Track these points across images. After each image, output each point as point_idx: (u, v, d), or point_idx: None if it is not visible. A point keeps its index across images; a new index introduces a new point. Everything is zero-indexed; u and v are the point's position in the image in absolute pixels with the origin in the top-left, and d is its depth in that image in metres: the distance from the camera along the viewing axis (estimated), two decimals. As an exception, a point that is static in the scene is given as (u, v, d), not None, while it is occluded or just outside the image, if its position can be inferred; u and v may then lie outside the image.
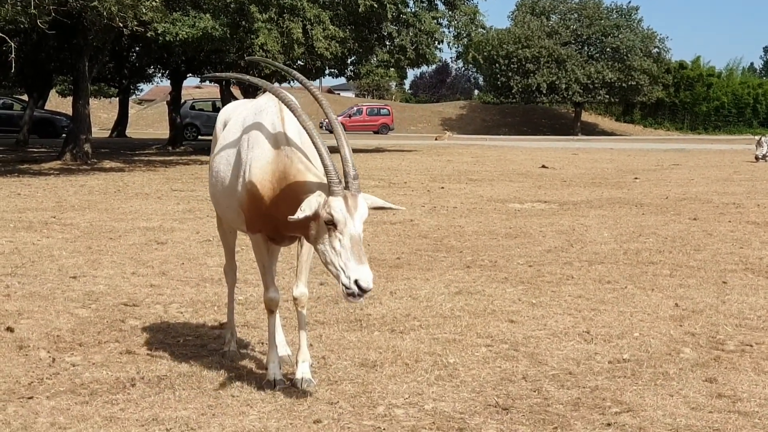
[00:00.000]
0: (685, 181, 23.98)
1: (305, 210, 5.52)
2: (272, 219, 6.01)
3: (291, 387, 6.26)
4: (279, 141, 6.00)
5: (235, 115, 6.71)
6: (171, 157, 34.35)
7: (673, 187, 22.01)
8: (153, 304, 9.03)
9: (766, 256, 11.85)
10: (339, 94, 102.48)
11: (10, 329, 7.80)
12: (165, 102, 51.86)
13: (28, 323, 8.09)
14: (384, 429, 5.57)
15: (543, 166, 29.69)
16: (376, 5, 32.27)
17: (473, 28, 38.75)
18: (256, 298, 9.26)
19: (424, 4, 38.35)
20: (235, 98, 41.15)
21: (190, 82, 51.21)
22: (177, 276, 10.45)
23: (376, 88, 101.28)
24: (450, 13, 38.38)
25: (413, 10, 37.86)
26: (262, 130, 6.11)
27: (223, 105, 41.25)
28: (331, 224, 5.51)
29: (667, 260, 11.55)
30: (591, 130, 79.80)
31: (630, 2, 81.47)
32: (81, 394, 6.21)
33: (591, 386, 6.36)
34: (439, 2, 38.78)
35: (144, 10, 22.35)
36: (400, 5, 35.08)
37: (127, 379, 6.54)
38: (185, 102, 49.14)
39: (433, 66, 57.56)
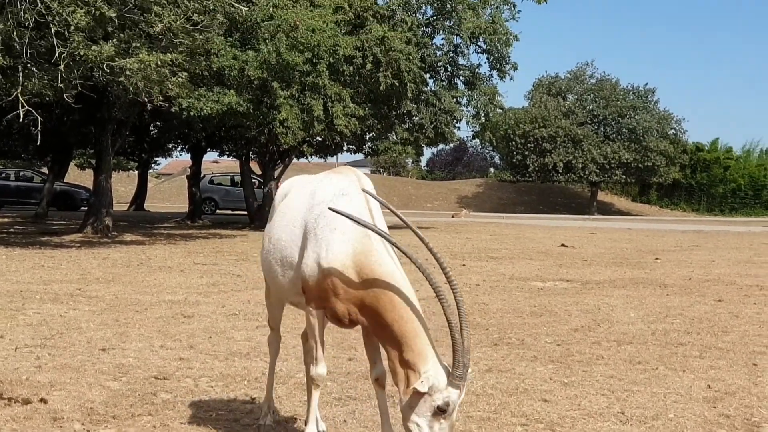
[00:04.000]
0: (706, 263, 23.91)
1: (424, 386, 5.51)
2: (347, 304, 5.99)
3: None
4: (366, 237, 5.96)
5: (300, 186, 6.66)
6: (190, 231, 34.46)
7: (695, 268, 21.95)
8: (183, 377, 9.02)
9: (795, 338, 11.79)
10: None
11: (43, 400, 7.80)
12: (185, 176, 52.14)
13: (61, 395, 8.08)
14: (424, 508, 5.52)
15: (562, 245, 29.67)
16: (396, 83, 32.52)
17: (492, 108, 39.04)
18: (285, 372, 9.26)
19: (444, 83, 38.69)
20: (254, 173, 41.44)
21: (208, 156, 51.58)
22: (205, 350, 10.45)
23: (392, 165, 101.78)
24: (469, 92, 38.68)
25: (433, 88, 38.19)
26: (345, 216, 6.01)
27: (243, 180, 41.75)
28: (440, 411, 5.52)
29: (695, 341, 11.51)
30: (607, 210, 79.89)
31: (647, 84, 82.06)
32: (116, 468, 6.19)
33: (630, 467, 6.32)
34: (458, 81, 39.14)
35: (170, 85, 22.58)
36: (420, 84, 35.34)
37: (162, 453, 6.52)
38: (204, 176, 49.47)
39: (451, 144, 57.76)
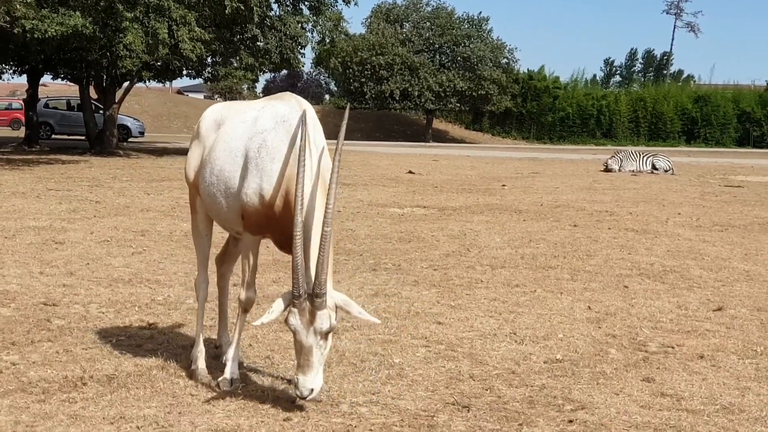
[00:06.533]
0: (551, 189, 24.60)
1: (271, 314, 5.69)
2: (285, 230, 5.97)
3: (247, 387, 6.33)
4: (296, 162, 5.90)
5: (238, 114, 6.56)
6: (30, 156, 33.53)
7: (543, 195, 22.58)
8: (71, 304, 8.94)
9: (656, 261, 12.33)
10: (188, 95, 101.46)
11: (-63, 328, 7.65)
12: (21, 99, 50.39)
13: (-47, 322, 7.95)
14: (355, 426, 5.67)
15: (410, 172, 30.05)
16: (242, 7, 32.13)
17: (337, 34, 39.00)
18: (174, 299, 9.27)
19: (289, 9, 38.40)
20: (92, 98, 40.37)
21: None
22: (86, 276, 10.33)
23: (228, 91, 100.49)
24: (315, 18, 38.46)
25: (278, 13, 37.88)
26: (285, 144, 6.05)
27: (83, 104, 40.65)
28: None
29: (563, 265, 11.93)
30: (442, 137, 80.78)
31: (480, 13, 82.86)
32: (33, 393, 6.15)
33: (538, 385, 6.58)
34: (304, 7, 38.85)
35: (18, 5, 21.82)
36: (265, 8, 35.00)
37: (76, 378, 6.50)
38: (39, 100, 47.90)
39: (286, 71, 57.22)
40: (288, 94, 6.54)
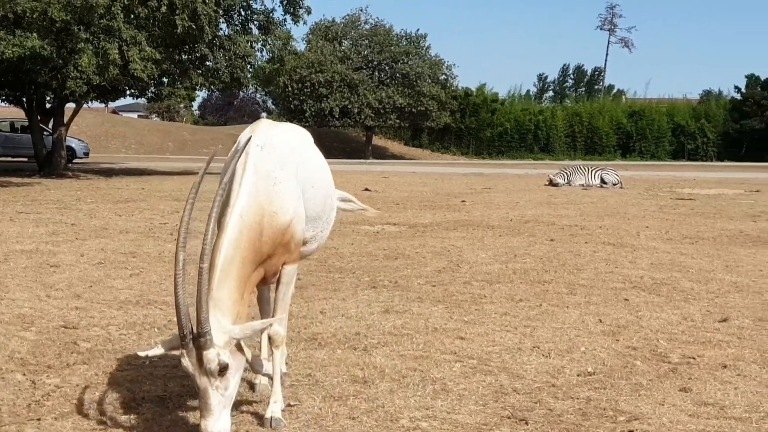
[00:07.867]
0: (512, 204, 24.87)
1: (156, 350, 5.46)
2: None
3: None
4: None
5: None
6: (-22, 179, 33.21)
7: (507, 210, 22.82)
8: (90, 326, 8.93)
9: (644, 274, 12.57)
10: (122, 114, 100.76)
11: (-29, 353, 7.64)
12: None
13: (-18, 347, 7.93)
14: (423, 441, 5.81)
15: (366, 189, 30.18)
16: (194, 26, 32.13)
17: (286, 53, 39.10)
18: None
19: (238, 28, 38.42)
20: (39, 119, 40.05)
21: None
22: (94, 299, 10.32)
23: (166, 110, 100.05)
24: (264, 37, 38.54)
25: (227, 33, 37.88)
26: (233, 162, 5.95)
27: (31, 126, 40.35)
28: None
29: (557, 279, 12.12)
30: (382, 154, 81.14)
31: (418, 30, 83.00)
32: (91, 416, 6.20)
33: (584, 397, 6.74)
34: (253, 26, 38.91)
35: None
36: (214, 28, 35.01)
37: (129, 399, 6.55)
38: (-22, 122, 47.44)
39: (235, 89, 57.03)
40: (260, 120, 6.59)
